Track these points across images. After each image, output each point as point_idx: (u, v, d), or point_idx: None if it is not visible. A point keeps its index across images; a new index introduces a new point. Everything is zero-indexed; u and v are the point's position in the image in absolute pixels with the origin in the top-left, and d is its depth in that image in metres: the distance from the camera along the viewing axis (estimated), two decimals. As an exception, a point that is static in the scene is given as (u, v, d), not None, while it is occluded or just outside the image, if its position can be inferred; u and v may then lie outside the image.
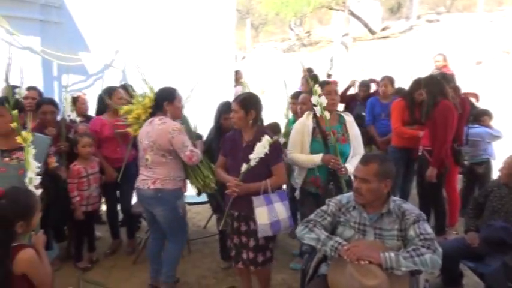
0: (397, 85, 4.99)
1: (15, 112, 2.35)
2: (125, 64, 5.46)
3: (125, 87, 4.34)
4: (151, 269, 3.17)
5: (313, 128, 2.95)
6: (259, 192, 2.58)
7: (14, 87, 3.91)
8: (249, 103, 2.65)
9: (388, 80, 4.82)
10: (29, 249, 1.89)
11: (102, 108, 3.79)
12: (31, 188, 2.03)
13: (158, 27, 5.63)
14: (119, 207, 3.89)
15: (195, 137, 3.27)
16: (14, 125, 2.25)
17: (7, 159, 2.42)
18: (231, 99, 6.50)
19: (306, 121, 3.00)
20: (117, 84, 4.44)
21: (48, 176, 2.46)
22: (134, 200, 4.05)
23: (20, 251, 1.83)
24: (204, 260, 3.73)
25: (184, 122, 3.20)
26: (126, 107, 3.31)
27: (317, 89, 2.81)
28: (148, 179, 2.90)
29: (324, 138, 2.90)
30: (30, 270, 1.86)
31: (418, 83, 4.14)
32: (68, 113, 3.70)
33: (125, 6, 5.47)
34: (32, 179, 2.04)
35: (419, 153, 3.95)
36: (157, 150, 2.87)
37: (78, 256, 3.51)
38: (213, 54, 6.08)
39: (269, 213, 2.56)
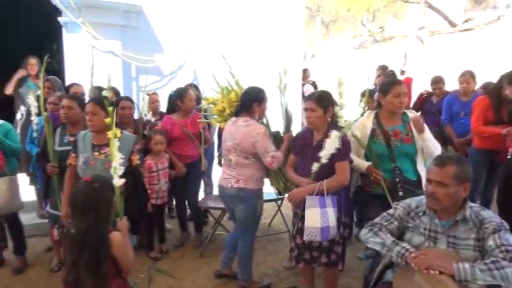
0: (479, 82, 4.57)
1: (110, 108, 2.55)
2: (196, 64, 5.68)
3: (194, 86, 4.55)
4: (224, 255, 3.26)
5: (373, 130, 2.79)
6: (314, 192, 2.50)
7: (100, 88, 4.30)
8: (327, 100, 2.58)
9: (470, 76, 4.43)
10: (117, 233, 2.05)
11: (172, 108, 3.98)
12: (115, 177, 2.22)
13: (227, 27, 5.77)
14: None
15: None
16: (108, 120, 2.45)
17: (97, 153, 2.64)
18: (298, 98, 6.59)
19: (365, 121, 2.85)
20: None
21: (130, 172, 2.63)
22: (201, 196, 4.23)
23: (108, 234, 1.98)
24: (267, 258, 3.74)
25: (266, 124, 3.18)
26: (211, 98, 3.40)
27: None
28: (231, 177, 2.93)
29: (387, 139, 2.74)
30: (119, 252, 2.00)
31: (507, 79, 3.74)
32: (145, 112, 3.93)
33: (197, 9, 5.68)
34: (116, 168, 2.23)
35: (508, 157, 3.55)
36: (240, 152, 2.87)
37: (149, 246, 3.73)
38: (281, 53, 6.08)
39: (322, 216, 2.45)
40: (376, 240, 2.02)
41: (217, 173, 4.69)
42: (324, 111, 2.56)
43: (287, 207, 4.14)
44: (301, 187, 2.58)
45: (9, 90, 4.88)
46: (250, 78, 3.46)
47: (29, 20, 7.53)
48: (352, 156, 2.78)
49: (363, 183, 2.84)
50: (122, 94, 4.59)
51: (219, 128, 4.25)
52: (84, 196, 1.95)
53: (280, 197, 3.96)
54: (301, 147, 2.74)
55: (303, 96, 6.74)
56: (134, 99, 4.40)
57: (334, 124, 2.68)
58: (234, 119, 3.00)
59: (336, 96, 2.79)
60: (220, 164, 4.52)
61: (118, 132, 2.58)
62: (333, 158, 2.50)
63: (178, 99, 3.86)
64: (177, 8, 5.61)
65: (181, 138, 3.84)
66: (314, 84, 8.52)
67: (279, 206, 4.17)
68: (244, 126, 2.85)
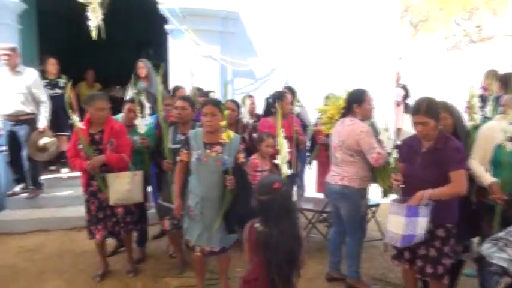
0: None
1: (226, 112, 2.78)
2: (289, 68, 5.79)
3: (290, 89, 4.64)
4: (330, 260, 3.37)
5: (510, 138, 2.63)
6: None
7: (202, 90, 4.59)
8: (435, 109, 2.50)
9: None
10: None
11: (269, 110, 4.11)
12: (283, 167, 2.53)
13: (320, 30, 5.79)
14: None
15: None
16: (224, 123, 2.70)
17: (209, 151, 2.82)
18: (392, 100, 6.38)
19: (495, 126, 2.69)
20: (282, 87, 4.77)
21: (238, 170, 2.79)
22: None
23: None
24: (363, 265, 3.66)
25: (371, 124, 3.24)
26: (321, 107, 3.62)
27: None
28: (336, 175, 3.12)
29: None
30: None
31: None
32: (245, 114, 4.11)
33: (290, 14, 5.79)
34: (284, 158, 2.57)
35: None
36: (345, 150, 3.05)
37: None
38: (374, 55, 5.95)
39: (407, 225, 2.37)
40: (502, 256, 1.91)
41: (309, 176, 4.77)
42: (435, 121, 2.48)
43: (381, 214, 4.05)
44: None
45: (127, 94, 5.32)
46: (351, 81, 3.51)
47: (133, 27, 8.29)
48: (476, 166, 2.66)
49: (479, 192, 2.69)
50: (219, 96, 4.84)
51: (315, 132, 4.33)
52: (281, 201, 2.04)
53: (375, 203, 3.90)
54: (407, 155, 2.68)
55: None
56: (230, 101, 4.63)
57: (460, 128, 2.62)
58: (342, 119, 3.16)
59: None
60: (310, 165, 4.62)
61: (232, 133, 2.76)
62: (448, 165, 2.40)
63: (275, 102, 3.98)
64: (271, 13, 5.77)
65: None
66: (405, 88, 8.17)
67: (374, 213, 4.08)
68: (349, 125, 3.05)
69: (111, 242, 3.83)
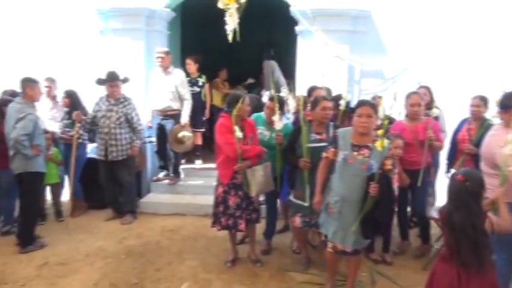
0: None
1: (385, 121, 2.77)
2: (422, 67, 5.43)
3: (428, 89, 4.36)
4: None
5: None
6: None
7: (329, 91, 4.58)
8: None
9: None
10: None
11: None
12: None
13: (459, 26, 5.28)
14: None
15: None
16: (380, 132, 2.74)
17: (355, 153, 2.82)
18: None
19: None
20: (414, 87, 4.50)
21: (384, 177, 2.74)
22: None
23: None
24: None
25: None
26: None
27: None
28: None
29: None
30: None
31: None
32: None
33: (425, 8, 5.40)
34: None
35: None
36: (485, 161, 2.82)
37: (370, 247, 3.78)
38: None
39: None
40: None
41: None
42: None
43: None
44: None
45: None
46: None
47: (255, 28, 8.67)
48: None
49: None
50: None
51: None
52: (456, 193, 2.22)
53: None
54: None
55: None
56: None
57: None
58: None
59: None
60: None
61: (386, 142, 2.70)
62: None
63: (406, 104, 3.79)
64: (405, 10, 5.47)
65: (411, 144, 3.74)
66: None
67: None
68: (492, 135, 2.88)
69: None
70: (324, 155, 3.02)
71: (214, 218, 3.60)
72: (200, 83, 5.88)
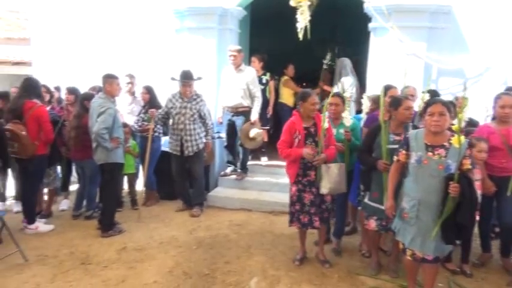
0: None
1: (460, 118, 2.64)
2: (506, 66, 5.02)
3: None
4: None
5: None
6: None
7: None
8: None
9: None
10: None
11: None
12: None
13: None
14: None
15: None
16: (455, 127, 2.59)
17: (430, 153, 2.70)
18: None
19: None
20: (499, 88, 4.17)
21: (465, 177, 2.59)
22: None
23: None
24: None
25: None
26: None
27: None
28: None
29: None
30: None
31: None
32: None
33: (509, 4, 5.00)
34: None
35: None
36: None
37: (447, 257, 3.56)
38: None
39: None
40: None
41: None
42: None
43: None
44: None
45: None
46: None
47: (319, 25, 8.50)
48: None
49: None
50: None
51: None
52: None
53: None
54: None
55: None
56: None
57: None
58: None
59: None
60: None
61: (463, 138, 2.56)
62: None
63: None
64: (488, 5, 5.10)
65: (499, 149, 3.46)
66: None
67: None
68: None
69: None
70: (395, 158, 2.91)
71: (291, 216, 3.61)
72: (264, 81, 5.92)
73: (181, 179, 5.04)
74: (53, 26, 6.58)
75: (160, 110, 4.98)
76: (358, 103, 5.34)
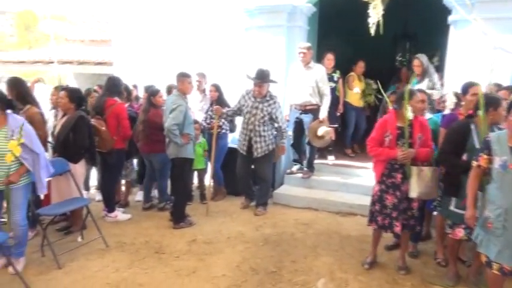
0: None
1: None
2: None
3: None
4: None
5: None
6: None
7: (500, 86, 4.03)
8: None
9: None
10: None
11: None
12: None
13: None
14: None
15: None
16: None
17: None
18: None
19: None
20: None
21: None
22: None
23: None
24: None
25: None
26: None
27: None
28: None
29: None
30: None
31: None
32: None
33: None
34: None
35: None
36: None
37: None
38: None
39: None
40: None
41: None
42: None
43: None
44: None
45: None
46: None
47: (391, 19, 8.06)
48: None
49: None
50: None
51: None
52: None
53: None
54: None
55: None
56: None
57: None
58: None
59: None
60: None
61: None
62: None
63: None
64: None
65: None
66: None
67: None
68: None
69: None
70: (475, 163, 2.69)
71: (370, 216, 3.51)
72: (335, 78, 5.79)
73: (245, 177, 5.06)
74: (132, 28, 7.02)
75: (232, 107, 5.04)
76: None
